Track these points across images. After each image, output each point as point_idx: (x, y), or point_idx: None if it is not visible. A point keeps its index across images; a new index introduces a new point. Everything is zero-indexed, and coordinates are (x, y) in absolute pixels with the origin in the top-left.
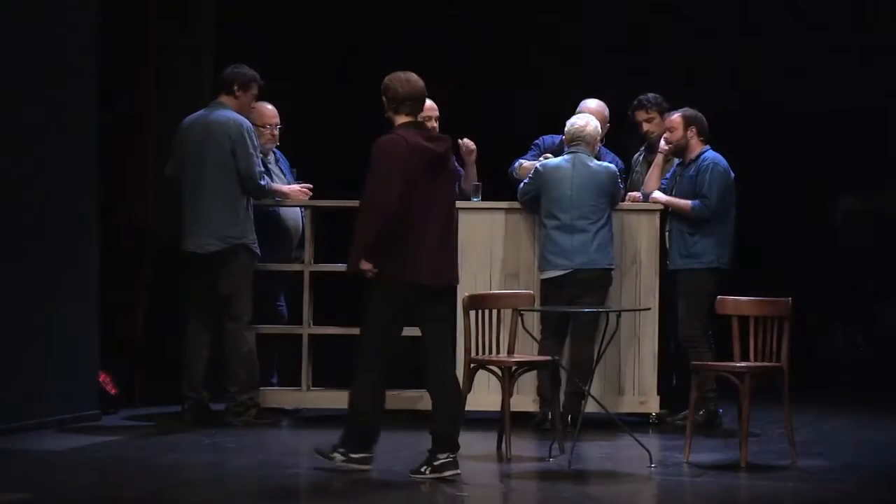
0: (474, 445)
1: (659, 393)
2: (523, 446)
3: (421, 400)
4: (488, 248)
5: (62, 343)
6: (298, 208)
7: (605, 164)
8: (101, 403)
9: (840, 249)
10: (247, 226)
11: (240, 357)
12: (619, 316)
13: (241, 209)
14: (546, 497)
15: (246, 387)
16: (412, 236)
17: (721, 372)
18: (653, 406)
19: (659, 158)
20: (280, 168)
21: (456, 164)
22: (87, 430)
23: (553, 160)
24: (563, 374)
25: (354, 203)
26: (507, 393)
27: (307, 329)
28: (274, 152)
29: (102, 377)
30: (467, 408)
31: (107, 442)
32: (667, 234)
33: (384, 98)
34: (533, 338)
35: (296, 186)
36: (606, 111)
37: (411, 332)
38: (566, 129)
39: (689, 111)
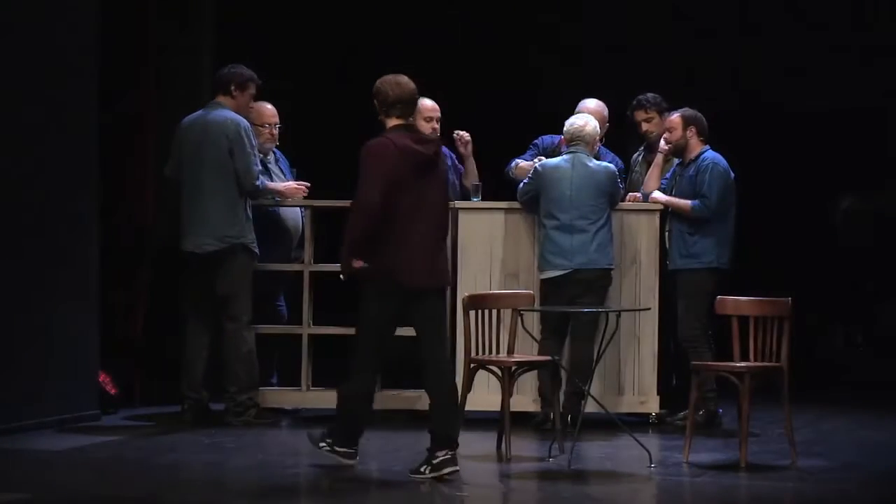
0: (474, 445)
1: (659, 393)
2: (523, 446)
3: (420, 400)
4: (488, 248)
5: (62, 343)
6: (298, 208)
7: (605, 163)
8: (101, 403)
9: (840, 249)
10: (245, 226)
11: (239, 357)
12: (618, 316)
13: (240, 209)
14: (546, 497)
15: (245, 387)
16: (402, 238)
17: (721, 372)
18: (653, 406)
19: (659, 158)
20: (280, 168)
21: (456, 161)
22: (86, 430)
23: (552, 160)
24: (563, 374)
25: None
26: (506, 393)
27: (307, 329)
28: (274, 152)
29: (102, 377)
30: (467, 408)
31: (106, 442)
32: (667, 234)
33: (375, 101)
34: (533, 338)
35: (291, 183)
36: (606, 111)
37: (410, 332)
38: (565, 128)
39: (688, 111)
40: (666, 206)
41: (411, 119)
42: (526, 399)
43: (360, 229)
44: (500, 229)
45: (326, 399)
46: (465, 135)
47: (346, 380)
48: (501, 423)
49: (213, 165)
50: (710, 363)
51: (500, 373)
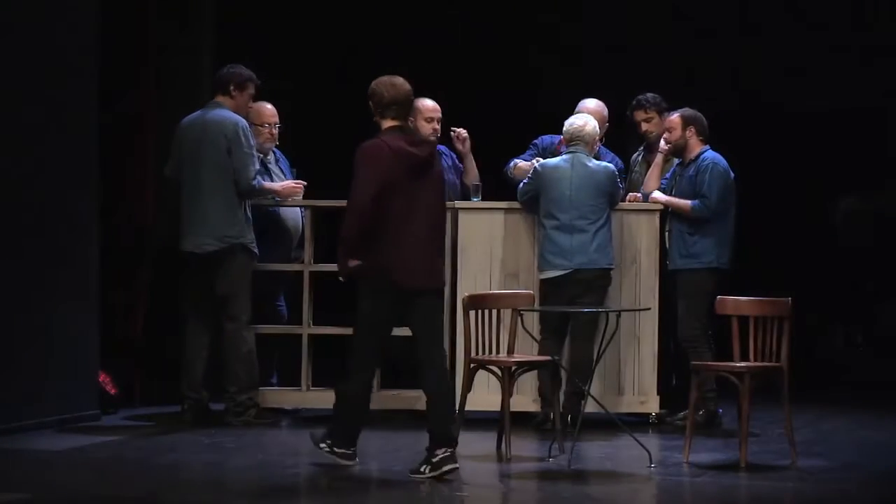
0: (474, 445)
1: (659, 393)
2: (523, 446)
3: (419, 400)
4: (488, 248)
5: (62, 343)
6: (298, 208)
7: (604, 163)
8: (101, 403)
9: (840, 249)
10: (245, 225)
11: (239, 357)
12: (618, 316)
13: (240, 209)
14: (546, 497)
15: (245, 387)
16: (396, 239)
17: (721, 372)
18: (652, 406)
19: (659, 158)
20: (280, 168)
21: (456, 160)
22: (86, 430)
23: (552, 160)
24: (563, 374)
25: None
26: (506, 393)
27: (307, 329)
28: (274, 152)
29: (102, 377)
30: (467, 408)
31: (106, 442)
32: (666, 234)
33: (370, 102)
34: (533, 338)
35: (288, 182)
36: (605, 111)
37: (408, 332)
38: (564, 128)
39: (687, 111)
40: (666, 206)
41: (417, 120)
42: (526, 399)
43: (354, 230)
44: (499, 229)
45: (326, 399)
46: (463, 132)
47: (344, 380)
48: (501, 423)
49: (212, 165)
50: (710, 363)
51: (500, 373)
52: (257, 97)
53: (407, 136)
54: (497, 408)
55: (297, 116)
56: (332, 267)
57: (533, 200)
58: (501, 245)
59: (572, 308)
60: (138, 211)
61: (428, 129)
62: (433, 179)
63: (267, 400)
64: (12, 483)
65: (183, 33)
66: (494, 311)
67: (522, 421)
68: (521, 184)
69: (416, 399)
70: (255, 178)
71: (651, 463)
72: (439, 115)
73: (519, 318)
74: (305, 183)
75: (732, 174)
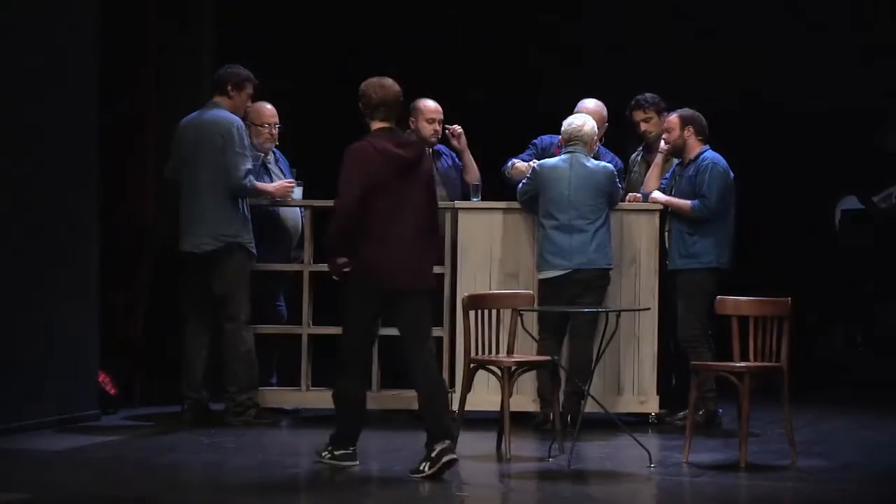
0: (474, 445)
1: (658, 393)
2: (523, 446)
3: None
4: (487, 248)
5: (62, 343)
6: (298, 208)
7: (603, 163)
8: (101, 403)
9: (840, 249)
10: (242, 225)
11: (238, 357)
12: (618, 316)
13: (237, 208)
14: (546, 497)
15: (245, 387)
16: (381, 239)
17: (721, 372)
18: (652, 406)
19: (658, 158)
20: (280, 168)
21: (456, 159)
22: (86, 430)
23: (551, 160)
24: (563, 374)
25: None
26: (506, 393)
27: (307, 329)
28: (274, 152)
29: (102, 377)
30: (467, 408)
31: (106, 442)
32: (666, 234)
33: (360, 104)
34: (532, 338)
35: (281, 182)
36: (605, 111)
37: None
38: (563, 128)
39: (686, 111)
40: (666, 206)
41: (418, 121)
42: (526, 399)
43: (338, 230)
44: (499, 229)
45: (326, 399)
46: (457, 128)
47: (336, 381)
48: (501, 423)
49: (209, 165)
50: (709, 363)
51: (499, 373)
52: (256, 97)
53: (394, 137)
54: (497, 408)
55: (296, 116)
56: None
57: (532, 200)
58: (501, 245)
59: (572, 308)
60: (138, 211)
61: (429, 129)
62: (420, 180)
63: (267, 400)
64: (12, 483)
65: (183, 33)
66: (494, 311)
67: (522, 421)
68: (521, 184)
69: (415, 399)
70: (246, 178)
71: (651, 463)
72: (441, 115)
73: (519, 318)
74: (293, 181)
75: (732, 174)
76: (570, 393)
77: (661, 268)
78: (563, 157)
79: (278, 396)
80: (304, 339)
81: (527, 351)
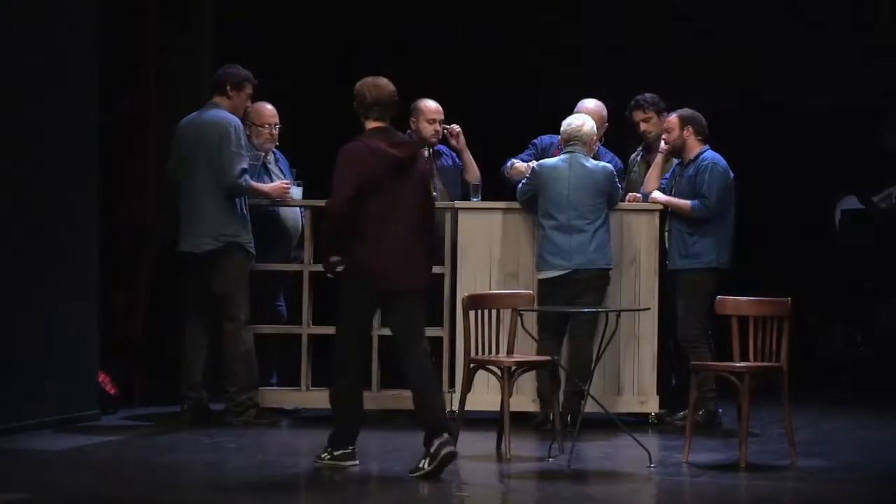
0: (474, 445)
1: (658, 393)
2: (523, 446)
3: None
4: (487, 248)
5: (62, 343)
6: (298, 208)
7: (602, 163)
8: (101, 403)
9: (840, 249)
10: (241, 224)
11: (238, 357)
12: (618, 316)
13: (236, 208)
14: (546, 497)
15: (245, 387)
16: (375, 239)
17: (721, 372)
18: (652, 406)
19: (658, 158)
20: (280, 168)
21: (456, 159)
22: (86, 430)
23: (550, 160)
24: (562, 374)
25: None
26: (506, 393)
27: (307, 329)
28: (274, 152)
29: (102, 377)
30: (467, 408)
31: (106, 442)
32: (666, 234)
33: (355, 103)
34: (532, 338)
35: (277, 183)
36: (604, 111)
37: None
38: (562, 128)
39: (685, 111)
40: (665, 206)
41: (419, 121)
42: (526, 399)
43: (331, 230)
44: (499, 229)
45: (326, 399)
46: (455, 127)
47: (332, 381)
48: (501, 423)
49: (208, 165)
50: (709, 363)
51: (499, 373)
52: (256, 97)
53: (388, 136)
54: (497, 408)
55: (296, 116)
56: None
57: (532, 200)
58: (500, 245)
59: (572, 308)
60: (138, 211)
61: (430, 130)
62: (415, 180)
63: (267, 400)
64: (12, 483)
65: (183, 33)
66: (494, 311)
67: (522, 421)
68: (520, 184)
69: None
70: (241, 176)
71: (651, 463)
72: (442, 116)
73: (519, 318)
74: (290, 181)
75: (732, 174)
76: (570, 393)
77: (661, 268)
78: (562, 157)
79: (278, 396)
80: (304, 339)
81: (527, 351)
